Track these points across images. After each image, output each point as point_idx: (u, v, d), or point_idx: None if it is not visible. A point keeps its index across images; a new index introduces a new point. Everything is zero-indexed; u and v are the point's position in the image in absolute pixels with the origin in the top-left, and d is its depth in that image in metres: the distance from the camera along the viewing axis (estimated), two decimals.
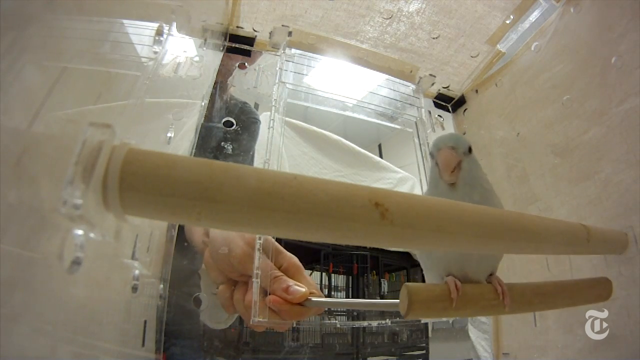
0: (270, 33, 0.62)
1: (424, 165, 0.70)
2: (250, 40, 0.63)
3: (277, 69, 0.62)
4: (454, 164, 0.33)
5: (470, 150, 0.34)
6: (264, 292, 0.36)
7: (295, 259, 0.39)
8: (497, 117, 0.66)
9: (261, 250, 0.39)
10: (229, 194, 0.19)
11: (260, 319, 0.41)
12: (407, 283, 0.29)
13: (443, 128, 0.73)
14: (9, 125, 0.15)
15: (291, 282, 0.35)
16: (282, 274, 0.36)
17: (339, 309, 1.53)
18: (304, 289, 0.34)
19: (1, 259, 0.14)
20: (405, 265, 1.69)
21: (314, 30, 0.63)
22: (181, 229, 0.50)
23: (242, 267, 0.38)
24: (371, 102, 0.72)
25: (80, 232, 0.18)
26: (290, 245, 0.42)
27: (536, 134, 0.57)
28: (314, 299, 0.34)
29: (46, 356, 0.18)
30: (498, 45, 0.63)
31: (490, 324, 0.64)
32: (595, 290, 0.37)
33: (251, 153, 0.68)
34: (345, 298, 1.54)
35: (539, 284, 0.35)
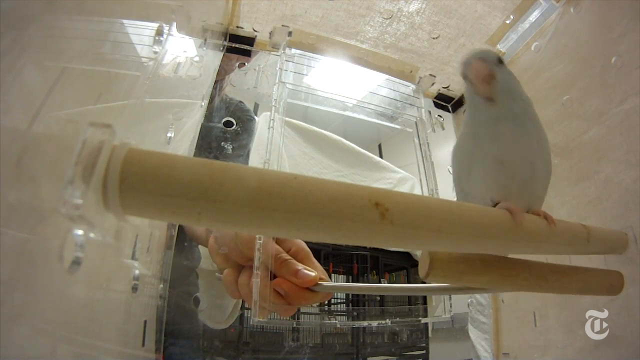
0: (270, 33, 0.62)
1: (423, 165, 0.70)
2: (250, 40, 0.63)
3: (277, 69, 0.62)
4: (486, 75, 0.32)
5: (500, 61, 0.33)
6: (272, 277, 0.35)
7: (303, 244, 0.38)
8: None
9: (261, 250, 0.39)
10: (229, 194, 0.19)
11: (260, 319, 0.41)
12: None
13: (443, 128, 0.73)
14: (9, 125, 0.15)
15: (300, 266, 0.34)
16: (290, 257, 0.35)
17: (338, 309, 1.53)
18: (313, 273, 0.33)
19: (1, 259, 0.14)
20: (405, 265, 1.69)
21: (314, 30, 0.63)
22: (181, 228, 0.50)
23: (249, 251, 0.38)
24: (371, 102, 0.72)
25: (80, 232, 0.18)
26: None
27: None
28: (325, 284, 0.33)
29: (46, 356, 0.18)
30: (498, 45, 0.63)
31: (490, 324, 0.64)
32: (609, 280, 0.36)
33: (247, 150, 0.69)
34: (346, 298, 1.54)
35: (556, 264, 0.35)
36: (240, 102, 0.70)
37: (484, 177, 0.33)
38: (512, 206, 0.29)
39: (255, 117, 0.77)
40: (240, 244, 0.38)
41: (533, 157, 0.33)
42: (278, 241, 0.39)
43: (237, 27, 0.62)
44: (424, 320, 1.05)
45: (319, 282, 0.33)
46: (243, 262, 0.39)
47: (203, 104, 0.55)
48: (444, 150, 0.71)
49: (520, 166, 0.32)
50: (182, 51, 0.42)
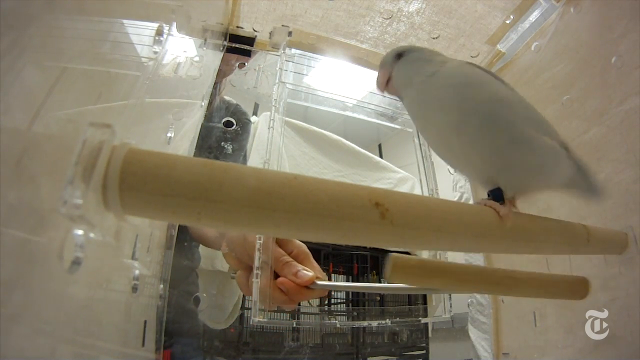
0: (270, 33, 0.62)
1: (423, 165, 0.70)
2: (250, 40, 0.63)
3: (277, 69, 0.62)
4: (382, 81, 0.34)
5: (399, 55, 0.34)
6: (275, 276, 0.39)
7: (304, 247, 0.41)
8: None
9: (261, 250, 0.41)
10: (228, 194, 0.19)
11: (260, 319, 0.42)
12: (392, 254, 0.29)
13: None
14: (9, 125, 0.15)
15: (300, 267, 0.38)
16: (292, 259, 0.39)
17: (338, 309, 1.54)
18: (311, 274, 0.37)
19: (1, 259, 0.14)
20: None
21: (314, 30, 0.63)
22: (181, 229, 0.50)
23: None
24: (371, 102, 0.72)
25: (80, 232, 0.18)
26: None
27: None
28: (319, 282, 0.37)
29: (46, 356, 0.18)
30: (498, 45, 0.63)
31: (490, 324, 0.64)
32: (571, 287, 0.37)
33: (244, 153, 0.69)
34: (346, 298, 1.54)
35: (514, 270, 0.34)
36: (238, 104, 0.70)
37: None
38: (494, 204, 0.29)
39: (252, 120, 0.77)
40: (249, 248, 0.42)
41: (447, 128, 0.30)
42: (281, 243, 0.41)
43: (237, 27, 0.62)
44: (424, 320, 1.05)
45: (315, 281, 0.37)
46: (252, 264, 0.42)
47: (203, 104, 0.55)
48: None
49: (443, 148, 0.32)
50: (182, 51, 0.42)
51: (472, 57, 0.66)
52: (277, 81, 0.61)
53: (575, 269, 0.47)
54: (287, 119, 0.62)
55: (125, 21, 0.27)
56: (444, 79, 0.31)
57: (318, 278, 0.37)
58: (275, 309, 0.42)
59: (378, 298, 1.52)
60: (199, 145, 0.54)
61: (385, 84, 0.34)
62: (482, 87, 0.31)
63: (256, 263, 0.42)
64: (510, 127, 0.30)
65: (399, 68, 0.34)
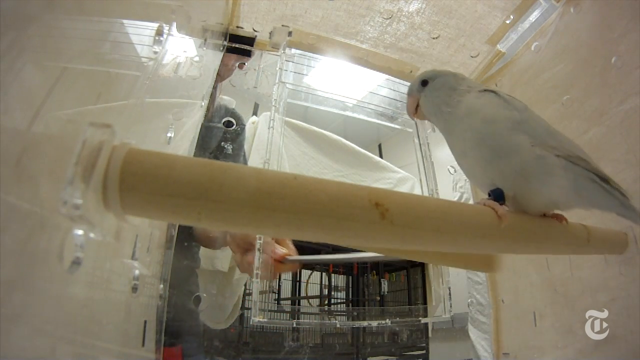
0: (270, 33, 0.62)
1: (423, 165, 0.70)
2: (250, 40, 0.63)
3: (277, 69, 0.62)
4: (412, 107, 0.37)
5: (424, 83, 0.36)
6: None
7: None
8: None
9: (262, 250, 0.46)
10: (229, 194, 0.19)
11: (260, 319, 0.43)
12: None
13: None
14: (9, 125, 0.15)
15: (277, 246, 0.49)
16: (271, 240, 0.49)
17: (338, 309, 1.54)
18: (285, 250, 0.48)
19: (1, 259, 0.14)
20: (405, 265, 1.69)
21: (314, 30, 0.63)
22: (181, 229, 0.50)
23: (247, 237, 0.53)
24: (371, 102, 0.72)
25: (80, 232, 0.18)
26: None
27: None
28: (290, 257, 0.48)
29: (46, 356, 0.18)
30: (498, 45, 0.63)
31: (491, 324, 0.64)
32: (480, 259, 0.36)
33: (242, 153, 0.69)
34: (346, 298, 1.54)
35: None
36: (234, 109, 0.70)
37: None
38: (493, 204, 0.29)
39: (252, 120, 0.77)
40: (246, 235, 0.52)
41: (462, 150, 0.33)
42: None
43: (237, 27, 0.62)
44: (424, 320, 1.05)
45: (286, 257, 0.47)
46: (247, 247, 0.52)
47: (203, 104, 0.55)
48: (444, 150, 0.71)
49: (464, 168, 0.34)
50: (182, 51, 0.42)
51: (472, 57, 0.66)
52: (277, 81, 0.61)
53: (575, 269, 0.47)
54: (287, 119, 0.62)
55: (125, 21, 0.27)
56: (464, 114, 0.33)
57: (289, 254, 0.48)
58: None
59: (378, 298, 1.52)
60: (199, 145, 0.54)
61: (415, 110, 0.37)
62: (492, 120, 0.33)
63: (256, 263, 0.42)
64: (498, 140, 0.32)
65: (426, 96, 0.36)
